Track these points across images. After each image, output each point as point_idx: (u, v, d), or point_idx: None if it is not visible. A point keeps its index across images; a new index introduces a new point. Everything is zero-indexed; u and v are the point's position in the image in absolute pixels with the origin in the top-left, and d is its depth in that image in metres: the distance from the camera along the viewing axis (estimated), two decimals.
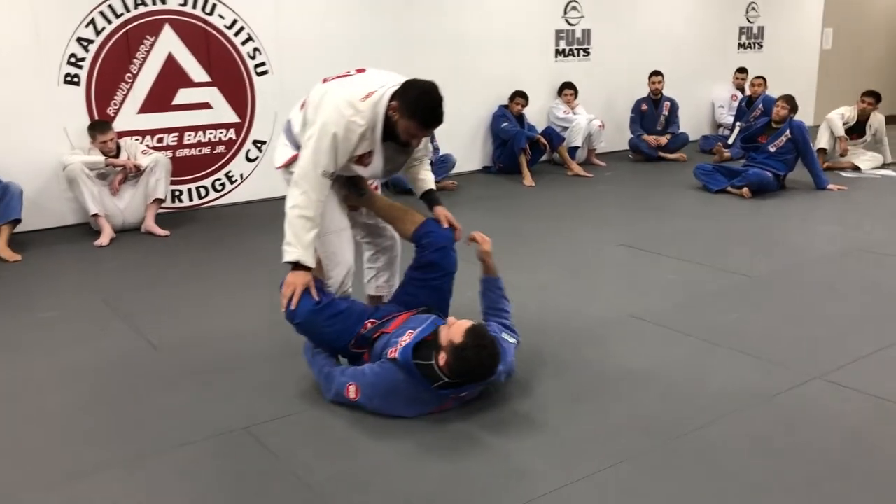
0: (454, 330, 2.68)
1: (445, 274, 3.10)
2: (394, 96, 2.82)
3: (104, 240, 5.32)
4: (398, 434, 2.68)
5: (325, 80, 3.04)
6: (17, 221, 5.19)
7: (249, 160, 6.61)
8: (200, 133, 6.36)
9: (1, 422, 2.86)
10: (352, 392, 2.82)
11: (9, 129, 5.50)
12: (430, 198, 3.23)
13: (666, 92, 8.53)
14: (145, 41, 5.98)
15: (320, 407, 2.89)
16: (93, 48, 5.78)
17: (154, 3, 5.96)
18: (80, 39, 5.72)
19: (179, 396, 3.01)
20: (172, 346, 3.50)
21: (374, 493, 2.34)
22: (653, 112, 8.51)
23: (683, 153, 8.45)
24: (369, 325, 2.98)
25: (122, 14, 5.85)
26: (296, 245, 2.84)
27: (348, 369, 2.90)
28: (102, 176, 5.53)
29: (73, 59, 5.71)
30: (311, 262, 2.88)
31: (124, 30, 5.88)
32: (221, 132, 6.47)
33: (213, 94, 6.35)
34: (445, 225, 3.14)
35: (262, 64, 6.53)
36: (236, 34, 6.36)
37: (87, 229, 5.61)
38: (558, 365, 3.21)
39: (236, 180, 6.61)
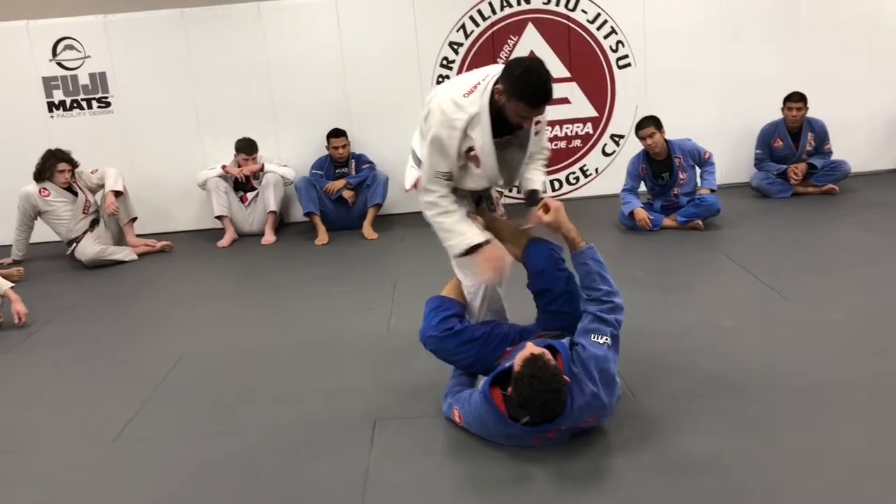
0: (517, 357, 2.48)
1: (556, 297, 2.83)
2: (498, 80, 2.67)
3: None
4: None
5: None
6: (380, 205, 6.05)
7: (606, 154, 6.56)
8: (557, 128, 6.52)
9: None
10: (456, 416, 2.79)
11: (387, 125, 6.38)
12: (530, 199, 2.96)
13: None
14: (509, 41, 6.35)
15: None
16: (462, 50, 6.36)
17: (519, 3, 6.27)
18: (451, 43, 6.34)
19: None
20: None
21: None
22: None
23: None
24: (509, 351, 2.88)
25: (489, 17, 6.30)
26: (458, 236, 2.84)
27: (462, 392, 2.85)
28: None
29: (444, 62, 6.37)
30: (482, 238, 2.83)
31: (490, 31, 6.33)
32: (578, 126, 6.54)
33: (572, 89, 6.44)
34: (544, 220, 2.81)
35: (625, 56, 6.38)
36: (599, 28, 6.33)
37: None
38: None
39: (591, 174, 6.62)
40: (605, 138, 6.52)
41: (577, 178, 6.64)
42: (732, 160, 6.47)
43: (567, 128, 6.53)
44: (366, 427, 2.89)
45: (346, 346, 3.78)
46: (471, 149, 2.78)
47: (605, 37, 6.35)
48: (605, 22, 6.31)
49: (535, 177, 3.02)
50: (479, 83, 2.74)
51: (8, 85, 6.29)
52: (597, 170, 6.60)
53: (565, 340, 2.71)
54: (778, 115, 6.08)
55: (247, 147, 6.14)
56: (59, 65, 6.31)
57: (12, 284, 4.58)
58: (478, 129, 2.73)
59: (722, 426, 2.70)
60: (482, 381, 2.76)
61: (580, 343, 2.63)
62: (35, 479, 2.75)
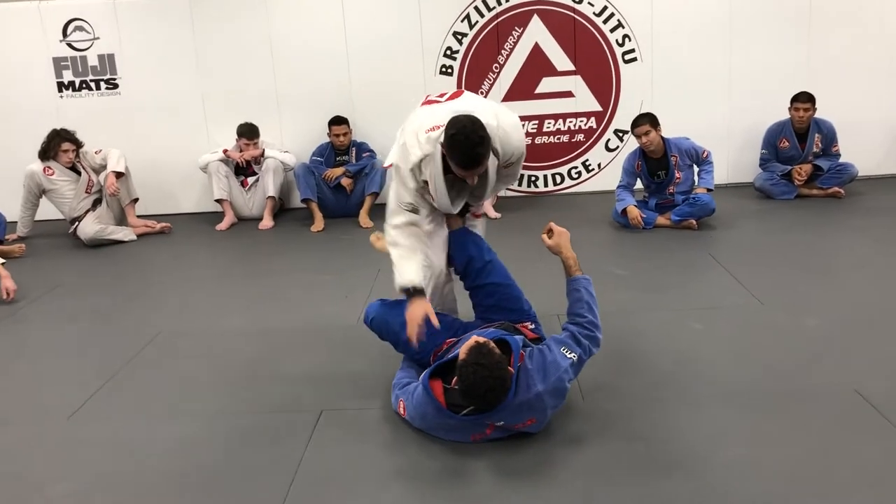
0: (462, 347, 2.49)
1: (480, 269, 3.07)
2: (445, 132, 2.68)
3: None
4: None
5: (426, 100, 3.00)
6: (377, 194, 6.08)
7: (609, 150, 6.49)
8: (560, 121, 6.47)
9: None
10: (401, 408, 2.80)
11: (389, 114, 6.34)
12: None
13: None
14: (513, 32, 6.30)
15: None
16: (465, 41, 6.33)
17: None
18: (455, 34, 6.32)
19: None
20: None
21: None
22: None
23: None
24: (449, 342, 2.89)
25: (493, 8, 6.26)
26: (397, 272, 2.88)
27: (409, 385, 2.86)
28: None
29: (448, 52, 6.35)
30: (412, 284, 2.84)
31: (495, 22, 6.29)
32: (582, 121, 6.47)
33: (576, 83, 6.38)
34: (547, 242, 2.89)
35: (632, 51, 6.30)
36: (605, 21, 6.26)
37: None
38: None
39: (593, 169, 6.56)
40: (609, 133, 6.45)
41: (579, 173, 6.58)
42: (738, 159, 6.37)
43: (570, 121, 6.47)
44: (311, 417, 2.91)
45: (316, 333, 3.81)
46: (426, 182, 2.81)
47: (612, 30, 6.27)
48: (611, 15, 6.23)
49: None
50: (439, 126, 2.74)
51: (20, 64, 6.42)
52: (599, 165, 6.54)
53: (518, 338, 2.71)
54: (786, 115, 5.96)
55: (248, 132, 6.20)
56: (69, 46, 6.42)
57: (3, 261, 4.68)
58: (430, 168, 2.77)
59: (665, 431, 2.67)
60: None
61: (548, 345, 2.65)
62: None
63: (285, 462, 2.60)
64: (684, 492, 2.32)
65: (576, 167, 6.57)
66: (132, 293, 4.78)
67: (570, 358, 2.61)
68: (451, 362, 2.59)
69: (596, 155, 6.53)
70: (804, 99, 5.79)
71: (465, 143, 2.62)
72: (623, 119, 6.39)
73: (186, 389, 3.27)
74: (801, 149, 5.95)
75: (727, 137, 6.35)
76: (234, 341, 3.79)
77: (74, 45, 6.42)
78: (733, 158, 6.39)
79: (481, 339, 2.51)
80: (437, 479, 2.49)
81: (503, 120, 2.85)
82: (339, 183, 6.16)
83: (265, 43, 6.33)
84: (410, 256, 2.88)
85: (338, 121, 6.22)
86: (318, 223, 5.98)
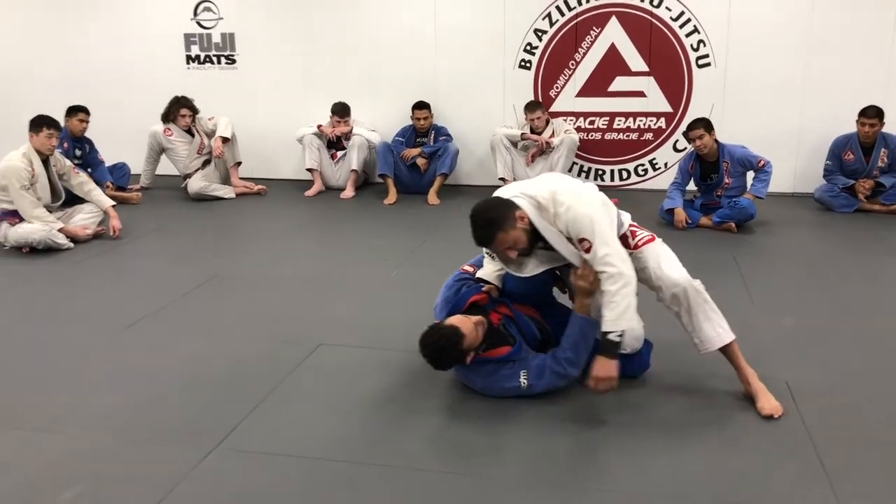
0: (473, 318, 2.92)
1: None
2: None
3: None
4: None
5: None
6: (446, 175, 6.60)
7: (676, 150, 6.69)
8: (631, 119, 6.73)
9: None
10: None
11: (471, 104, 6.91)
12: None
13: None
14: (591, 32, 6.61)
15: None
16: (545, 38, 6.71)
17: None
18: (536, 30, 6.71)
19: None
20: None
21: None
22: None
23: None
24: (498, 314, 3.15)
25: (574, 8, 6.60)
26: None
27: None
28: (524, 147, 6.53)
29: (528, 47, 6.75)
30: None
31: (574, 22, 6.62)
32: (652, 120, 6.70)
33: (648, 84, 6.62)
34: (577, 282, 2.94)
35: (705, 56, 6.46)
36: (681, 26, 6.45)
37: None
38: None
39: (659, 168, 6.78)
40: (678, 135, 6.64)
41: (646, 171, 6.82)
42: (806, 169, 6.41)
43: (640, 120, 6.71)
44: (308, 348, 3.49)
45: (351, 284, 4.42)
46: None
47: (687, 35, 6.45)
48: (688, 20, 6.41)
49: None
50: None
51: (158, 38, 7.39)
52: (666, 164, 6.75)
53: (536, 358, 2.98)
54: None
55: (340, 110, 6.87)
56: (198, 24, 7.32)
57: (114, 203, 5.58)
58: None
59: (623, 432, 2.81)
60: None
61: (549, 365, 2.92)
62: (52, 345, 3.60)
63: (266, 385, 3.13)
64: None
65: (642, 164, 6.81)
66: (214, 240, 5.59)
67: (522, 384, 2.91)
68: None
69: (663, 154, 6.74)
70: (871, 114, 5.78)
71: (471, 223, 2.84)
72: None
73: (222, 322, 3.93)
74: (865, 162, 5.93)
75: (796, 147, 6.39)
76: (277, 284, 4.45)
77: (202, 23, 7.32)
78: (801, 168, 6.43)
79: (457, 319, 2.89)
80: (395, 411, 2.97)
81: (560, 199, 2.80)
82: (415, 162, 6.72)
83: (363, 31, 6.98)
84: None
85: (420, 105, 6.78)
86: (392, 197, 6.58)
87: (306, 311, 4.03)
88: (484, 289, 3.16)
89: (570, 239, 2.82)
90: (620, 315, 2.71)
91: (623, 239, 2.97)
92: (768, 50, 6.30)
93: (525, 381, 2.93)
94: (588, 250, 2.77)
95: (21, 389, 3.18)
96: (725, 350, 2.96)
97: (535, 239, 2.86)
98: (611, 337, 2.74)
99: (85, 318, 3.98)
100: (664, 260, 2.98)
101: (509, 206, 2.82)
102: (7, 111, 7.34)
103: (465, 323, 2.87)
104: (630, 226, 3.07)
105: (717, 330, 2.92)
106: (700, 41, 6.44)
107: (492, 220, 2.78)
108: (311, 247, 5.40)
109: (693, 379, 3.16)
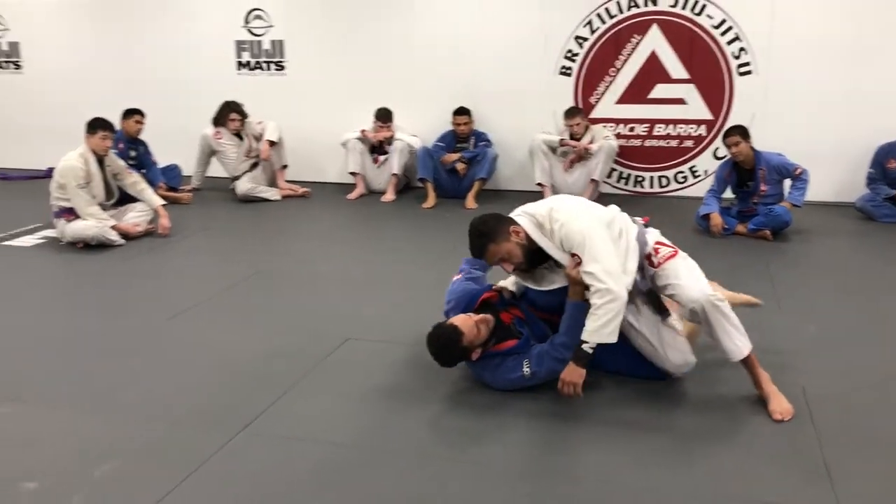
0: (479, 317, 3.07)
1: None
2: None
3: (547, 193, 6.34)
4: None
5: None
6: (485, 180, 6.72)
7: (717, 158, 6.67)
8: (671, 126, 6.75)
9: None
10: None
11: (511, 110, 7.01)
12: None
13: None
14: (632, 39, 6.66)
15: None
16: (586, 45, 6.77)
17: (646, 4, 6.56)
18: (577, 38, 6.79)
19: None
20: None
21: None
22: None
23: None
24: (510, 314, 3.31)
25: (615, 15, 6.65)
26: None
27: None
28: (563, 154, 6.60)
29: (569, 54, 6.83)
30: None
31: (615, 29, 6.68)
32: (692, 128, 6.71)
33: (689, 91, 6.63)
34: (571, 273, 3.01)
35: (747, 64, 6.45)
36: (723, 34, 6.45)
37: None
38: None
39: (699, 175, 6.78)
40: (718, 142, 6.62)
41: (686, 178, 6.82)
42: (849, 179, 6.33)
43: (680, 128, 6.73)
44: (336, 342, 3.64)
45: (383, 284, 4.57)
46: None
47: (729, 43, 6.45)
48: (729, 28, 6.41)
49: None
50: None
51: (210, 45, 7.69)
52: (706, 171, 6.73)
53: (537, 347, 3.10)
54: None
55: (383, 116, 7.05)
56: (249, 31, 7.59)
57: (164, 202, 5.84)
58: None
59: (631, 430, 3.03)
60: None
61: (547, 350, 3.03)
62: (100, 333, 3.83)
63: (292, 374, 3.32)
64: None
65: (682, 171, 6.82)
66: (257, 239, 5.80)
67: (525, 373, 3.02)
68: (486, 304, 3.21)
69: (703, 162, 6.74)
70: None
71: (468, 235, 3.09)
72: None
73: (257, 314, 4.12)
74: None
75: (838, 156, 6.33)
76: (313, 280, 4.64)
77: (253, 30, 7.59)
78: (842, 177, 6.36)
79: (459, 319, 3.03)
80: (412, 401, 3.11)
81: (555, 216, 2.98)
82: (454, 167, 6.85)
83: (407, 39, 7.15)
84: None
85: (461, 111, 6.91)
86: (430, 200, 6.72)
87: (338, 307, 4.19)
88: (494, 287, 3.29)
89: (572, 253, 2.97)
90: (600, 328, 2.83)
91: (647, 258, 3.08)
92: (811, 58, 6.26)
93: (528, 369, 3.03)
94: (579, 265, 2.91)
95: (67, 372, 3.40)
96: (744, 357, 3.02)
97: (543, 256, 3.04)
98: (585, 347, 2.87)
99: (132, 308, 4.22)
100: (683, 276, 3.03)
101: (503, 220, 3.04)
102: (73, 111, 7.69)
103: (465, 321, 3.01)
104: (656, 243, 3.14)
105: (735, 343, 2.97)
106: (741, 49, 6.43)
107: (483, 233, 3.02)
108: (349, 247, 5.57)
109: (703, 378, 3.21)
